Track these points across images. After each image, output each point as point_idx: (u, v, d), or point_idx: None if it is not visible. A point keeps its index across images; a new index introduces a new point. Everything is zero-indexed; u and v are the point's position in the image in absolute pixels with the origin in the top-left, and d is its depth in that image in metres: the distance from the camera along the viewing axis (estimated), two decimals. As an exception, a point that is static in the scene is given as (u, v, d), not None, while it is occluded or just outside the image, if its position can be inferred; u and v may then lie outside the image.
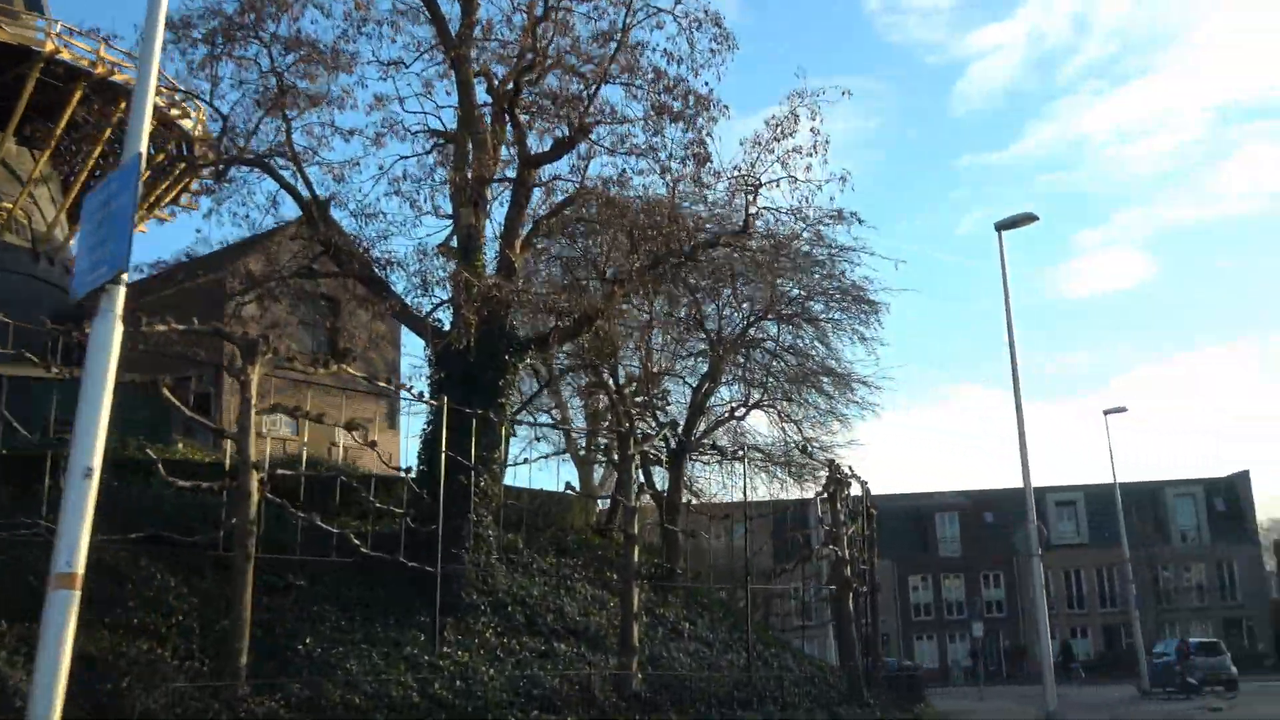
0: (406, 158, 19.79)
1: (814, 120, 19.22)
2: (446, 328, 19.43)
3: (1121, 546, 59.17)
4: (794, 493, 28.16)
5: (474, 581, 18.73)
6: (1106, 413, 37.65)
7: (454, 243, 19.90)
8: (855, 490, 25.03)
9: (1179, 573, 63.40)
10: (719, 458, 28.01)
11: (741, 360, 27.89)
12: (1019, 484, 21.66)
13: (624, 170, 18.78)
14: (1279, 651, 62.81)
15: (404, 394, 21.56)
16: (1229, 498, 66.42)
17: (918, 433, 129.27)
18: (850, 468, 25.07)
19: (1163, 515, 64.07)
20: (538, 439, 24.60)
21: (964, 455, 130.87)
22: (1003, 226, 21.61)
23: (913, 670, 29.39)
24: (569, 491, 18.35)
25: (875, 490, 26.51)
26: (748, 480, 26.23)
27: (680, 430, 26.42)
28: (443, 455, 17.13)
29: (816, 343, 28.38)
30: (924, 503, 67.18)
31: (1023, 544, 20.73)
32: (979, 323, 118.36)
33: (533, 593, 20.06)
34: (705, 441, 27.31)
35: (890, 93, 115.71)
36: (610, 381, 25.47)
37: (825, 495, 23.32)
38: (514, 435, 25.05)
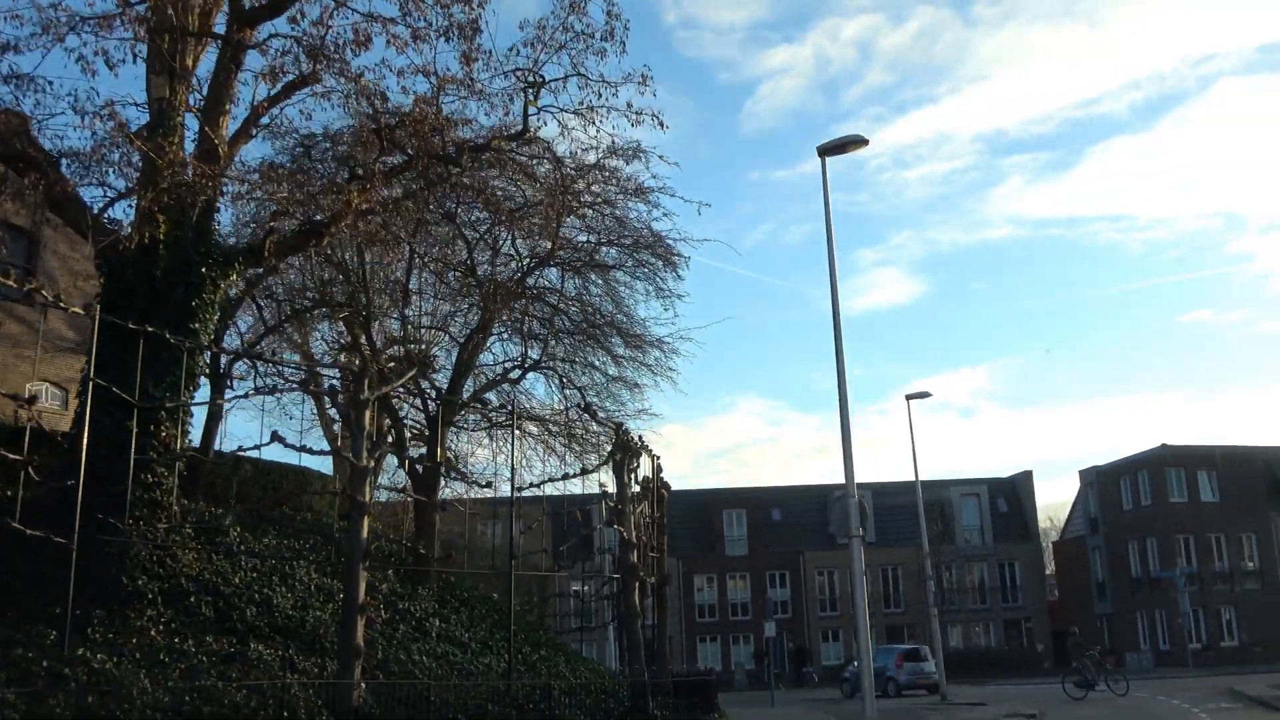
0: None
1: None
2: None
3: (907, 546, 58.67)
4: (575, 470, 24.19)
5: (143, 562, 14.05)
6: (909, 397, 35.14)
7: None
8: (646, 469, 21.40)
9: (962, 574, 62.71)
10: (487, 424, 23.92)
11: (518, 313, 23.82)
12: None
13: (366, 34, 14.36)
14: (1057, 654, 62.82)
15: (41, 302, 16.53)
16: (1011, 498, 66.36)
17: (705, 437, 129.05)
18: (640, 438, 21.39)
19: (949, 515, 63.33)
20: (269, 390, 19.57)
21: (746, 462, 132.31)
22: (826, 151, 18.10)
23: (705, 675, 25.83)
24: (280, 442, 13.79)
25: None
26: (517, 449, 22.23)
27: (444, 390, 22.20)
28: (90, 384, 12.42)
29: (606, 298, 24.58)
30: (711, 498, 64.58)
31: (839, 524, 17.41)
32: (761, 333, 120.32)
33: (232, 580, 15.47)
34: (473, 404, 23.06)
35: (685, 106, 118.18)
36: (360, 325, 21.04)
37: (611, 463, 19.48)
38: (228, 379, 20.20)
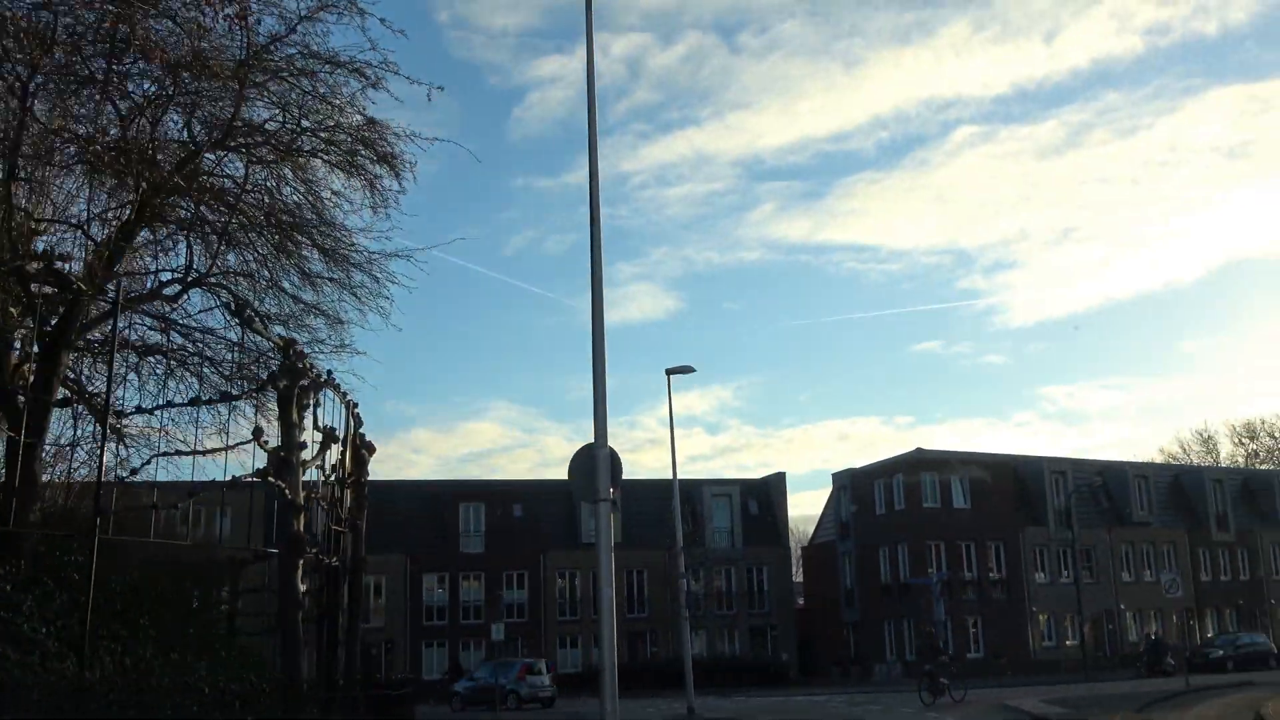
0: None
1: None
2: None
3: (654, 549, 55.25)
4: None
5: None
6: (670, 372, 31.16)
7: None
8: (337, 419, 16.29)
9: (710, 577, 59.59)
10: (135, 354, 18.15)
11: (182, 210, 18.13)
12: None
13: None
14: (803, 663, 60.63)
15: None
16: (763, 500, 63.82)
17: (453, 442, 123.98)
18: (330, 373, 16.27)
19: (700, 514, 60.19)
20: None
21: (499, 468, 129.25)
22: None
23: (401, 685, 20.76)
24: None
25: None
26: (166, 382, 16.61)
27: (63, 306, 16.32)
28: None
29: (306, 202, 19.13)
30: (446, 490, 59.24)
31: (584, 486, 12.79)
32: (517, 339, 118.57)
33: None
34: (116, 325, 17.18)
35: (454, 106, 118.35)
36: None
37: (275, 392, 14.26)
38: None
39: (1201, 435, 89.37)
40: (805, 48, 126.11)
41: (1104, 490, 62.88)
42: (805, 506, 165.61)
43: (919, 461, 56.86)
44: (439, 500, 57.92)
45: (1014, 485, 59.04)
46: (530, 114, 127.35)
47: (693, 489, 61.58)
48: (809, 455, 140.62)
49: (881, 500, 58.66)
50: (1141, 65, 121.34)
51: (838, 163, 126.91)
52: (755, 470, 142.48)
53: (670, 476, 33.26)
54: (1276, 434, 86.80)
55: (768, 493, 64.63)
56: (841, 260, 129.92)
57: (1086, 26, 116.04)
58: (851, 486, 61.34)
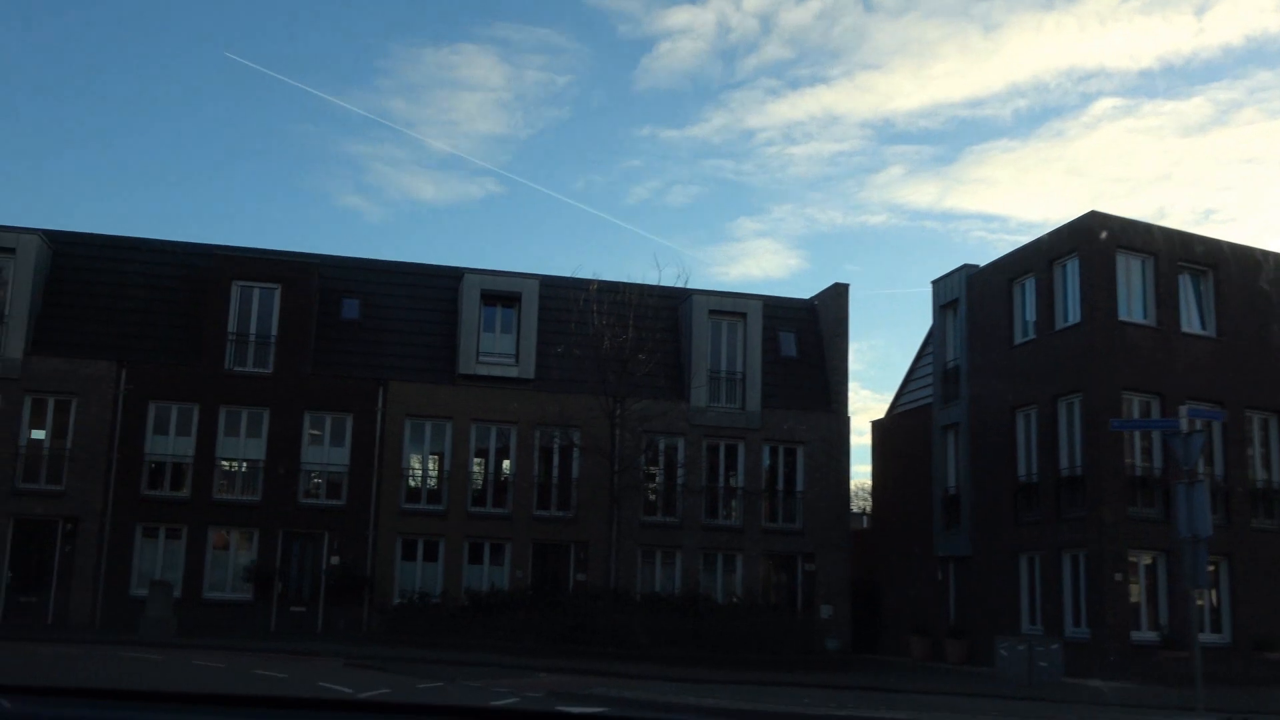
0: None
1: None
2: None
3: (593, 392, 30.83)
4: None
5: None
6: None
7: None
8: None
9: (691, 458, 31.91)
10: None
11: None
12: None
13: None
14: (859, 628, 32.53)
15: None
16: (806, 336, 35.66)
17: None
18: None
19: (687, 351, 32.38)
20: None
21: None
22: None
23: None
24: None
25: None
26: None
27: None
28: None
29: None
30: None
31: None
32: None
33: None
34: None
35: (582, 53, 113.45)
36: None
37: None
38: None
39: None
40: (942, 8, 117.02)
41: None
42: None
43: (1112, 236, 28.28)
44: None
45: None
46: (658, 64, 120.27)
47: (679, 302, 34.32)
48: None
49: (1031, 315, 30.27)
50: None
51: (970, 129, 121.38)
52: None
53: None
54: None
55: (813, 322, 36.55)
56: (969, 229, 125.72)
57: (1241, 2, 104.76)
58: (977, 289, 32.73)
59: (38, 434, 30.22)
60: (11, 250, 30.36)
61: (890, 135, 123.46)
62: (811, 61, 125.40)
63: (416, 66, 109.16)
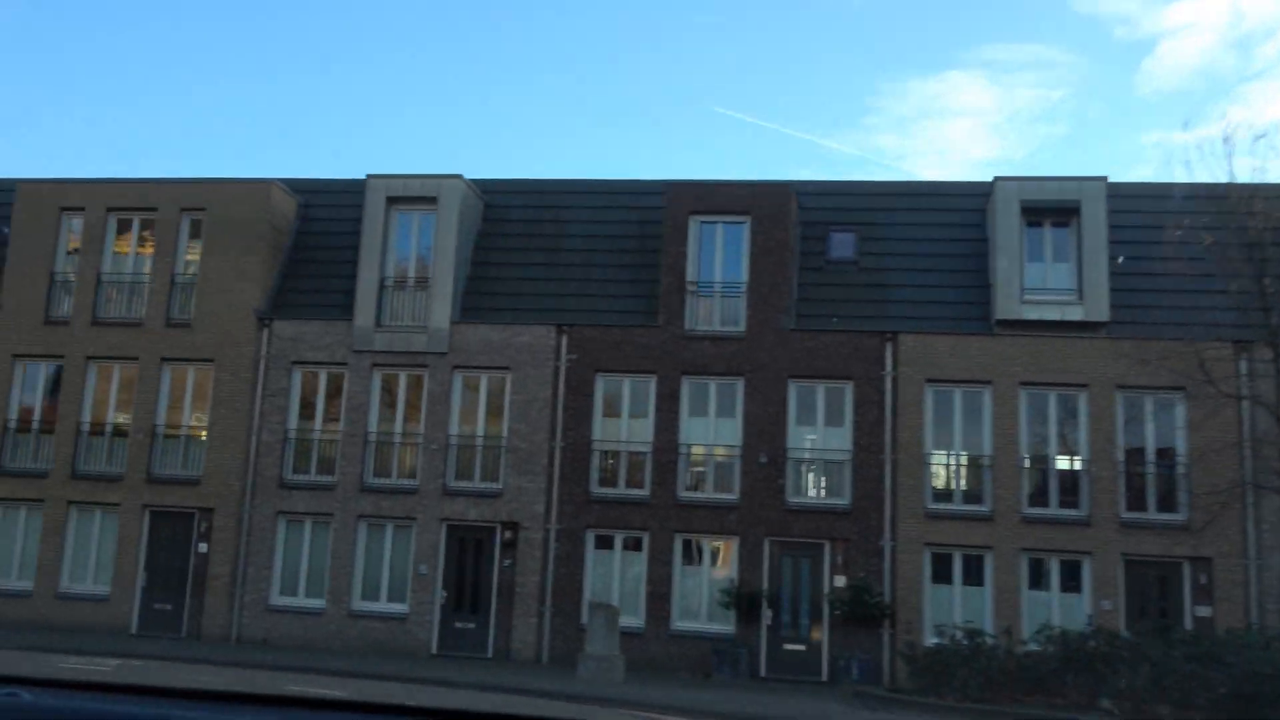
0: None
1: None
2: None
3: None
4: None
5: None
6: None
7: None
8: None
9: None
10: None
11: None
12: None
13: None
14: None
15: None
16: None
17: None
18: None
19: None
20: None
21: None
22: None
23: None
24: None
25: None
26: None
27: None
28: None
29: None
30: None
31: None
32: None
33: None
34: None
35: (1076, 64, 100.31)
36: None
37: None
38: None
39: None
40: None
41: None
42: None
43: None
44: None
45: None
46: (1161, 65, 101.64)
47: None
48: None
49: None
50: None
51: None
52: None
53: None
54: None
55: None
56: None
57: None
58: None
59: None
60: (433, 200, 24.99)
61: None
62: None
63: (904, 100, 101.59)
